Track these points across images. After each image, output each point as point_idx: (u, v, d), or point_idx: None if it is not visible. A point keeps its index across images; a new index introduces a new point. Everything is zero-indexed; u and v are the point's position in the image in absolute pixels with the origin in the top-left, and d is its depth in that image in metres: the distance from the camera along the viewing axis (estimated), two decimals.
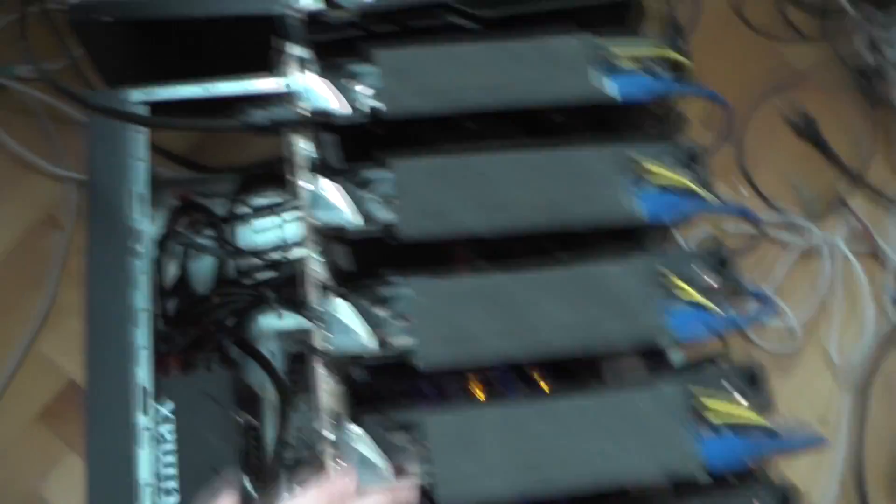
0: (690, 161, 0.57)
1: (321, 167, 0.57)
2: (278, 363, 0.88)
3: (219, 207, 0.98)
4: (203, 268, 0.94)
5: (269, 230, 0.97)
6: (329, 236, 0.52)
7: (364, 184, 0.53)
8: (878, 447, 1.06)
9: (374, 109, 0.54)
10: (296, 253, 0.81)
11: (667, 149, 0.57)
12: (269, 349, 0.89)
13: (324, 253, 0.55)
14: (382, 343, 0.48)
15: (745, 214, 0.62)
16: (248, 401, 0.78)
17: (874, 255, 1.16)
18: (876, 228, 1.17)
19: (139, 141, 0.79)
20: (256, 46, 0.83)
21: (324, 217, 0.51)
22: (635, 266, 0.50)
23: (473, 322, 0.46)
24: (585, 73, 0.53)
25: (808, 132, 1.23)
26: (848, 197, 1.20)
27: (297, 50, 0.61)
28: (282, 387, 0.84)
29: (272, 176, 0.98)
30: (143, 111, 0.80)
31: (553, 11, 0.60)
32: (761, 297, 0.58)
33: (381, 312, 0.49)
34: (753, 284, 0.58)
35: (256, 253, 0.89)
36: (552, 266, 0.50)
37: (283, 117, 0.58)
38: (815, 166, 1.23)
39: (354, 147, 0.58)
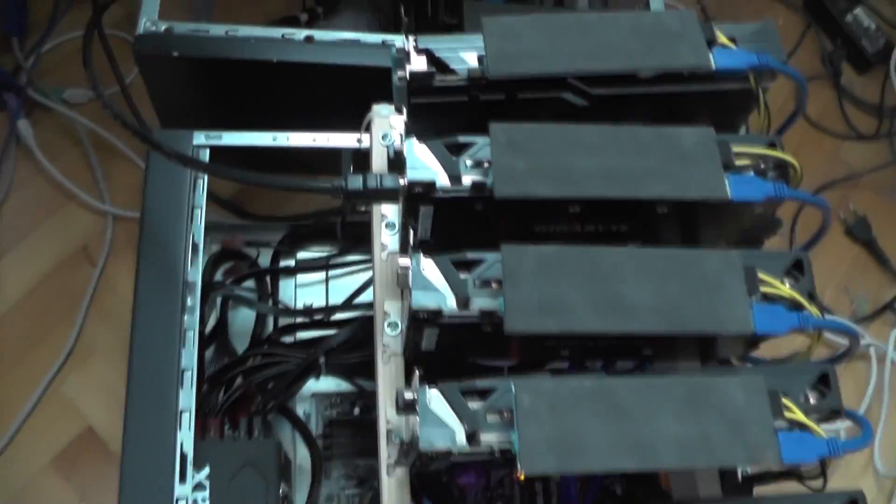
0: (795, 270, 0.53)
1: (419, 243, 0.55)
2: (312, 426, 0.85)
3: (262, 258, 0.95)
4: (239, 320, 0.91)
5: (313, 285, 0.94)
6: (422, 319, 0.49)
7: (466, 265, 0.50)
8: None
9: (478, 185, 0.51)
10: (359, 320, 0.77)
11: (773, 256, 0.54)
12: (304, 411, 0.86)
13: (411, 335, 0.52)
14: (473, 438, 0.45)
15: (846, 330, 0.58)
16: (283, 467, 0.75)
17: None
18: None
19: (199, 186, 0.76)
20: (331, 100, 0.81)
21: (421, 299, 0.48)
22: (748, 382, 0.47)
23: (581, 428, 0.43)
24: (711, 169, 0.51)
25: (860, 232, 1.21)
26: None
27: (393, 110, 0.58)
28: (316, 453, 0.81)
29: (320, 229, 0.96)
30: (204, 156, 0.77)
31: (664, 95, 0.58)
32: (860, 422, 0.54)
33: (475, 405, 0.46)
34: (851, 409, 0.54)
35: (307, 311, 0.85)
36: (661, 373, 0.47)
37: (382, 185, 0.55)
38: (864, 268, 1.21)
39: (450, 223, 0.55)
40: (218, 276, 0.91)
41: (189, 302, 0.70)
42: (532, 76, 0.54)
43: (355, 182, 0.55)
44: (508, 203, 0.50)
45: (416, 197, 0.53)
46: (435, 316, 0.49)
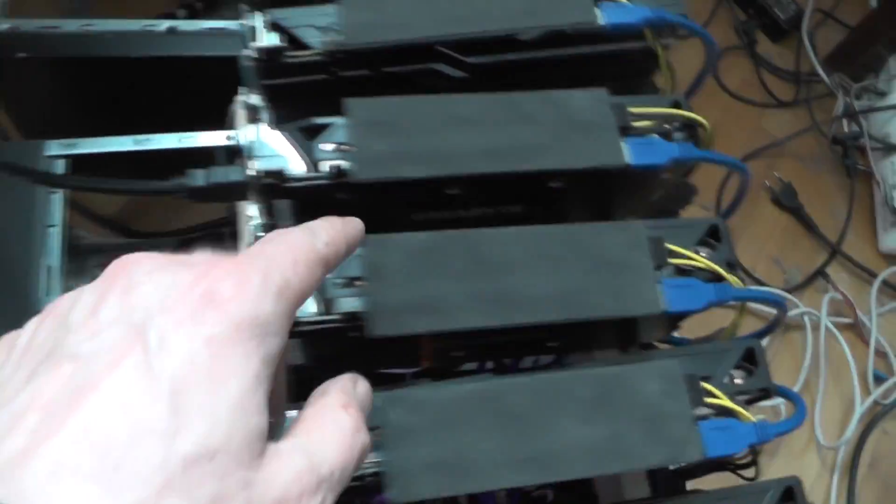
0: (712, 238, 0.48)
1: None
2: None
3: None
4: None
5: None
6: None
7: None
8: None
9: (339, 171, 0.45)
10: None
11: (685, 224, 0.48)
12: None
13: None
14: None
15: (770, 299, 0.53)
16: None
17: (855, 327, 1.10)
18: (856, 300, 1.11)
19: (54, 203, 0.67)
20: (203, 95, 0.73)
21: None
22: (662, 369, 0.41)
23: (466, 443, 0.37)
24: (606, 134, 0.45)
25: (787, 200, 1.18)
26: (828, 268, 1.14)
27: (250, 97, 0.51)
28: None
29: (210, 241, 0.88)
30: (62, 167, 0.69)
31: (553, 60, 0.52)
32: (793, 399, 0.50)
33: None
34: (783, 386, 0.49)
35: None
36: (560, 369, 0.41)
37: (227, 179, 0.48)
38: (794, 236, 1.18)
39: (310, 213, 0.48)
40: None
41: None
42: (394, 44, 0.47)
43: (197, 178, 0.48)
44: (374, 189, 0.44)
45: (269, 189, 0.46)
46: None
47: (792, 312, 1.08)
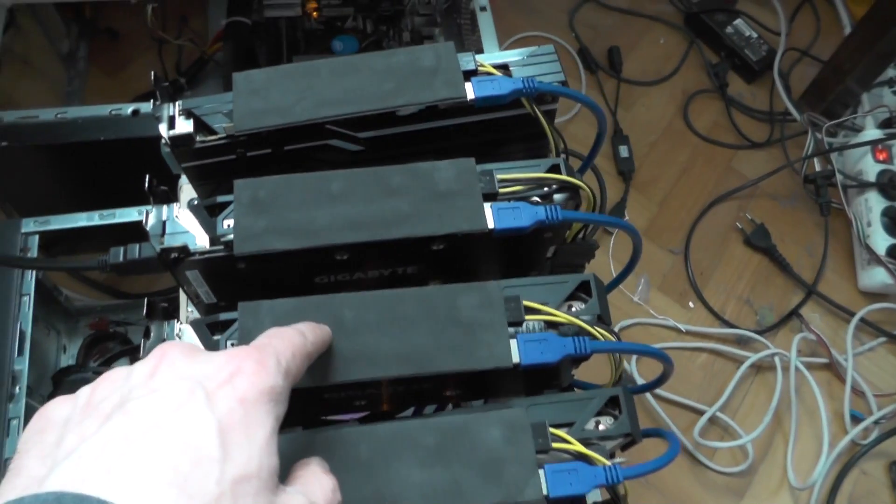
0: (583, 293, 0.51)
1: (209, 307, 0.54)
2: None
3: (135, 335, 0.93)
4: None
5: None
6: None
7: (215, 328, 0.48)
8: None
9: (228, 244, 0.50)
10: None
11: (556, 281, 0.52)
12: None
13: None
14: None
15: (647, 353, 0.56)
16: None
17: (830, 367, 1.10)
18: (832, 339, 1.12)
19: (26, 275, 0.75)
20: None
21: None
22: (509, 417, 0.45)
23: None
24: (470, 201, 0.50)
25: (759, 240, 1.20)
26: (801, 308, 1.15)
27: (154, 182, 0.56)
28: None
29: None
30: (33, 242, 0.76)
31: (435, 131, 0.57)
32: (667, 437, 0.52)
33: None
34: (651, 428, 0.52)
35: None
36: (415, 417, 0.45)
37: (140, 255, 0.54)
38: (767, 277, 1.19)
39: (227, 284, 0.54)
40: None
41: (15, 391, 0.69)
42: (278, 128, 0.52)
43: (116, 255, 0.53)
44: (261, 259, 0.49)
45: (177, 262, 0.51)
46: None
47: (763, 353, 1.09)
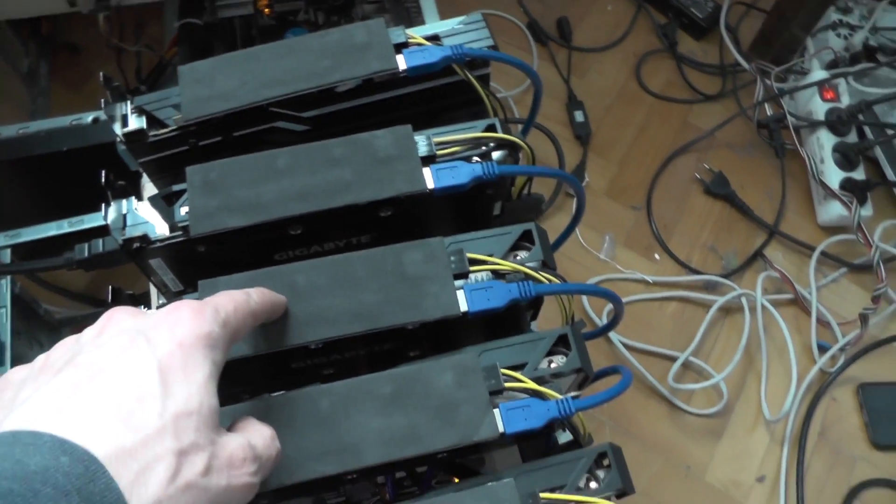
0: (526, 241, 0.54)
1: (175, 294, 0.57)
2: None
3: None
4: None
5: None
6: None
7: None
8: (819, 499, 1.02)
9: (185, 227, 0.53)
10: None
11: (500, 233, 0.55)
12: None
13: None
14: None
15: (590, 292, 0.59)
16: None
17: (796, 302, 1.14)
18: (796, 276, 1.16)
19: (2, 287, 0.77)
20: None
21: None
22: (461, 362, 0.48)
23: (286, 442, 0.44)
24: (409, 164, 0.53)
25: (718, 188, 1.23)
26: (765, 249, 1.19)
27: (111, 177, 0.59)
28: None
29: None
30: (8, 255, 0.79)
31: (375, 104, 0.60)
32: (620, 371, 0.55)
33: None
34: (604, 367, 0.55)
35: None
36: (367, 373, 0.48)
37: (104, 249, 0.57)
38: (729, 223, 1.23)
39: (193, 269, 0.57)
40: None
41: None
42: (224, 113, 0.55)
43: (81, 251, 0.57)
44: (217, 240, 0.52)
45: (139, 252, 0.54)
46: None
47: (730, 295, 1.13)
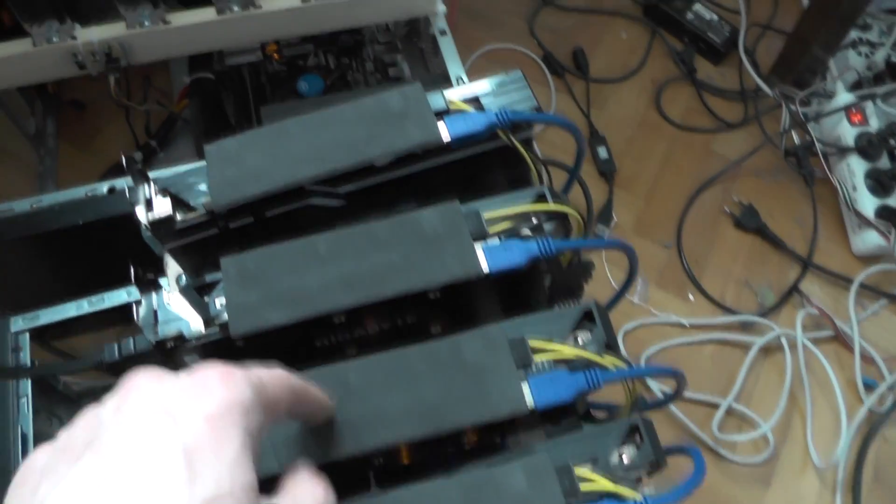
0: (587, 321, 0.51)
1: None
2: None
3: None
4: None
5: None
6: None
7: None
8: None
9: (223, 325, 0.49)
10: None
11: (557, 315, 0.51)
12: None
13: None
14: None
15: (662, 373, 0.55)
16: None
17: (837, 338, 1.10)
18: (835, 309, 1.12)
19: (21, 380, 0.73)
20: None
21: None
22: (532, 464, 0.44)
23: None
24: (461, 245, 0.50)
25: (749, 221, 1.19)
26: (800, 283, 1.15)
27: (140, 268, 0.55)
28: None
29: None
30: (25, 341, 0.75)
31: (416, 175, 0.56)
32: (692, 454, 0.51)
33: None
34: (677, 445, 0.51)
35: None
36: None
37: (136, 349, 0.53)
38: (762, 257, 1.19)
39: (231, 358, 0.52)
40: None
41: None
42: (257, 197, 0.51)
43: (111, 353, 0.53)
44: (260, 336, 0.48)
45: (174, 351, 0.51)
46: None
47: (769, 336, 1.09)
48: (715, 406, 1.05)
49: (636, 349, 1.07)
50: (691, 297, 1.14)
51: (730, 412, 1.05)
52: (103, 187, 0.82)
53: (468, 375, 0.46)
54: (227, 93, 1.10)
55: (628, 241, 1.17)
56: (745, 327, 1.11)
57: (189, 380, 0.34)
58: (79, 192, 0.82)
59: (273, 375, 0.37)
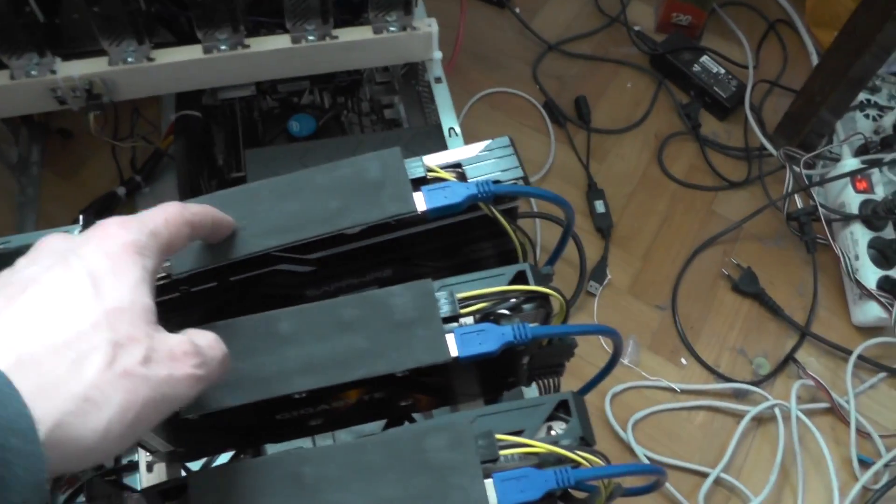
0: (562, 411, 0.48)
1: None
2: None
3: None
4: None
5: None
6: None
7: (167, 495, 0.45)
8: None
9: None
10: None
11: (531, 404, 0.48)
12: None
13: None
14: None
15: (639, 471, 0.52)
16: None
17: (832, 411, 1.06)
18: (832, 381, 1.08)
19: None
20: None
21: None
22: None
23: None
24: (431, 329, 0.47)
25: (747, 286, 1.16)
26: (796, 352, 1.11)
27: None
28: None
29: None
30: None
31: (389, 243, 0.53)
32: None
33: None
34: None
35: None
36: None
37: None
38: (759, 322, 1.15)
39: (190, 434, 0.50)
40: None
41: None
42: (219, 265, 0.48)
43: None
44: (214, 415, 0.45)
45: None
46: None
47: (762, 406, 1.05)
48: (703, 475, 1.01)
49: (624, 413, 1.04)
50: (684, 361, 1.11)
51: (718, 482, 1.02)
52: (75, 230, 0.79)
53: (429, 470, 0.43)
54: (217, 128, 1.08)
55: (622, 300, 1.14)
56: (739, 396, 1.08)
57: (90, 230, 0.39)
58: (49, 232, 0.79)
59: (168, 217, 0.41)
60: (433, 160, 0.54)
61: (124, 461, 0.72)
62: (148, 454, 0.60)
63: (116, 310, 0.35)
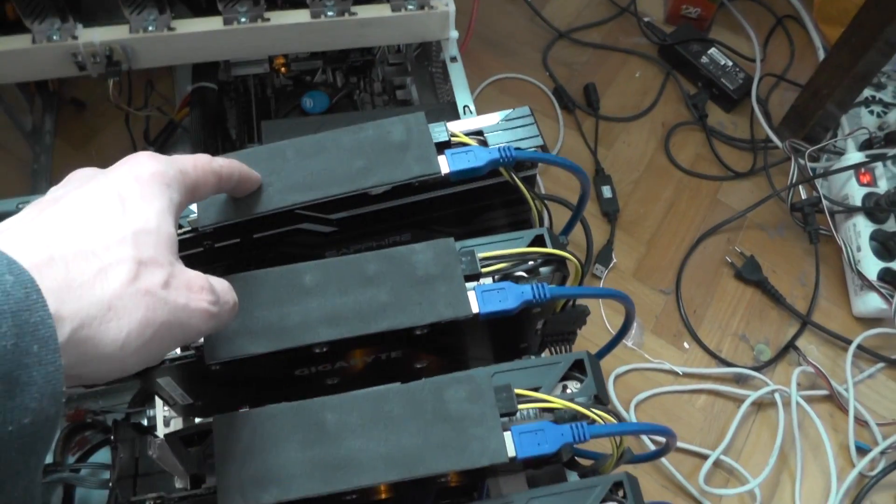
0: (577, 370, 0.49)
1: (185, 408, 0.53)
2: None
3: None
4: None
5: None
6: None
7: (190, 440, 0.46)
8: None
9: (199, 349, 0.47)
10: None
11: (548, 363, 0.49)
12: None
13: None
14: None
15: (653, 431, 0.53)
16: None
17: (831, 398, 1.08)
18: (831, 369, 1.10)
19: None
20: None
21: None
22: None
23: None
24: (452, 285, 0.48)
25: (750, 273, 1.17)
26: (797, 340, 1.13)
27: None
28: None
29: None
30: None
31: (413, 205, 0.55)
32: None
33: None
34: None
35: None
36: None
37: None
38: (761, 310, 1.16)
39: (204, 387, 0.52)
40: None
41: None
42: (244, 220, 0.49)
43: None
44: (237, 361, 0.46)
45: (146, 371, 0.49)
46: None
47: (763, 391, 1.07)
48: (703, 457, 1.03)
49: (626, 394, 1.05)
50: (686, 345, 1.12)
51: (718, 465, 1.03)
52: None
53: (448, 420, 0.45)
54: (230, 103, 1.09)
55: (626, 284, 1.16)
56: (740, 380, 1.09)
57: (122, 160, 0.40)
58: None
59: (197, 162, 0.42)
60: (456, 126, 0.55)
61: (143, 420, 0.73)
62: (166, 408, 0.61)
63: (142, 231, 0.36)
